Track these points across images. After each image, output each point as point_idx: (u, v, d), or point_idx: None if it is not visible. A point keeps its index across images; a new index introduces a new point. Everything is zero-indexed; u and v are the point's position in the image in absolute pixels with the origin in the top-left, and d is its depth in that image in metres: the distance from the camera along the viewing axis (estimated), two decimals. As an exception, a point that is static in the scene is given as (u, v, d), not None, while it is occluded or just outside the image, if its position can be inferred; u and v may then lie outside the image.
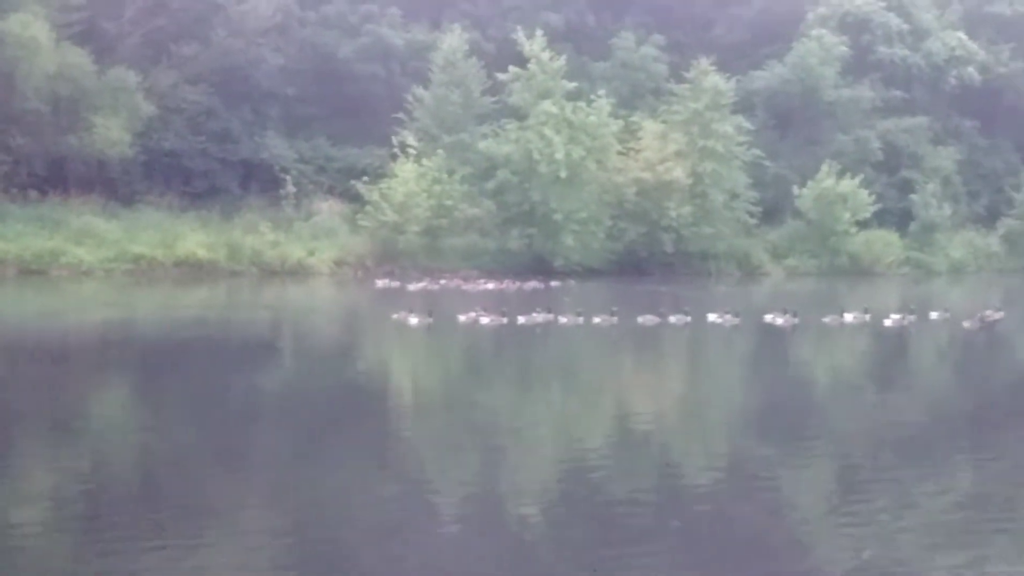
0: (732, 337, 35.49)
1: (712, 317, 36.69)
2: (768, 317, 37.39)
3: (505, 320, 35.24)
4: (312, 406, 22.35)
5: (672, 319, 36.34)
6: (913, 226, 67.06)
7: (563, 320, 35.67)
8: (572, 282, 53.77)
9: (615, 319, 35.97)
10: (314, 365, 29.29)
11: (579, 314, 36.07)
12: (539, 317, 35.70)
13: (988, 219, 71.39)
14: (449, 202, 55.81)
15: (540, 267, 56.24)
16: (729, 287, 56.05)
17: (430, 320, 34.67)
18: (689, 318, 36.33)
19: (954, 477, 17.32)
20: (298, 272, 53.12)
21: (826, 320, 37.64)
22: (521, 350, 32.51)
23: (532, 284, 51.84)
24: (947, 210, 67.55)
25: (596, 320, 35.55)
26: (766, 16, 73.59)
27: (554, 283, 53.32)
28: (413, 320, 34.57)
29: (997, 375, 30.86)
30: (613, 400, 24.89)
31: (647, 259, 59.55)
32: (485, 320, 35.07)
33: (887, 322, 37.62)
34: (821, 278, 61.08)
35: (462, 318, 35.63)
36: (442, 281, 51.33)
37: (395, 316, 35.63)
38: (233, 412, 21.02)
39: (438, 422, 21.33)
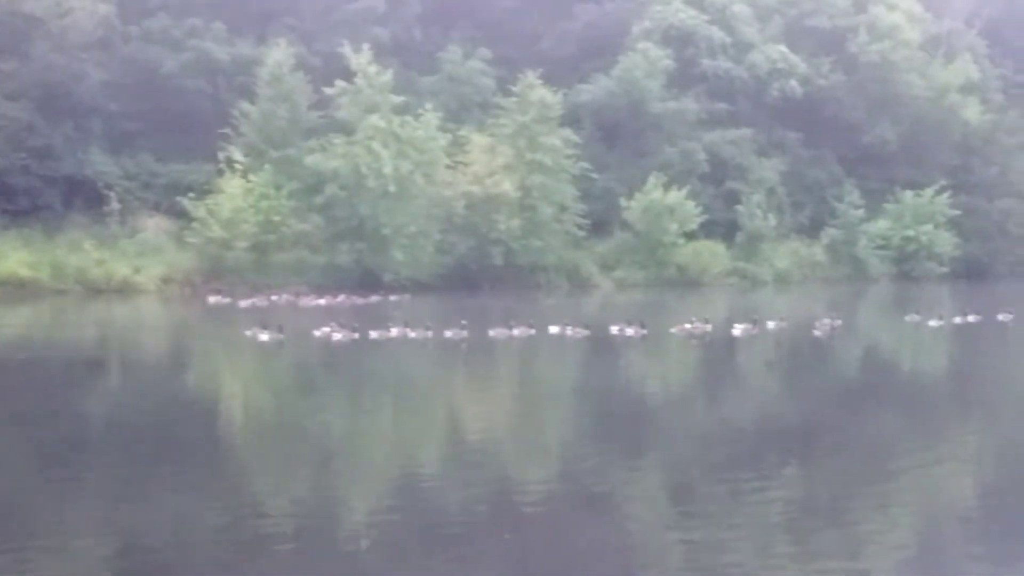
0: (580, 349, 37.06)
1: (554, 329, 38.48)
2: (614, 328, 38.98)
3: (357, 335, 36.35)
4: (153, 428, 22.66)
5: (516, 332, 38.04)
6: (739, 237, 70.66)
7: (413, 335, 36.87)
8: (407, 296, 55.18)
9: (465, 332, 37.43)
10: (157, 385, 29.58)
11: (428, 328, 37.44)
12: (393, 331, 37.09)
13: (812, 229, 75.12)
14: (277, 217, 57.48)
15: (370, 282, 57.94)
16: (559, 300, 58.13)
17: (281, 336, 35.75)
18: (533, 331, 38.05)
19: (786, 482, 18.28)
20: (124, 290, 53.84)
21: (673, 331, 39.83)
22: (376, 365, 33.41)
23: (368, 299, 53.30)
24: (772, 221, 71.10)
25: (448, 334, 36.94)
26: (592, 30, 76.12)
27: (393, 297, 54.72)
28: (264, 336, 35.57)
29: (852, 380, 32.99)
30: (460, 414, 25.89)
31: (477, 273, 61.76)
32: (338, 336, 36.13)
33: (735, 331, 39.89)
34: (650, 289, 64.02)
35: (317, 333, 36.93)
36: (273, 297, 52.49)
37: (247, 333, 36.73)
38: (64, 436, 20.99)
39: (287, 439, 21.96)
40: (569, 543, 14.28)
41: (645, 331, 38.56)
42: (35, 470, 18.58)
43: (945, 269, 76.12)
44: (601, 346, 37.16)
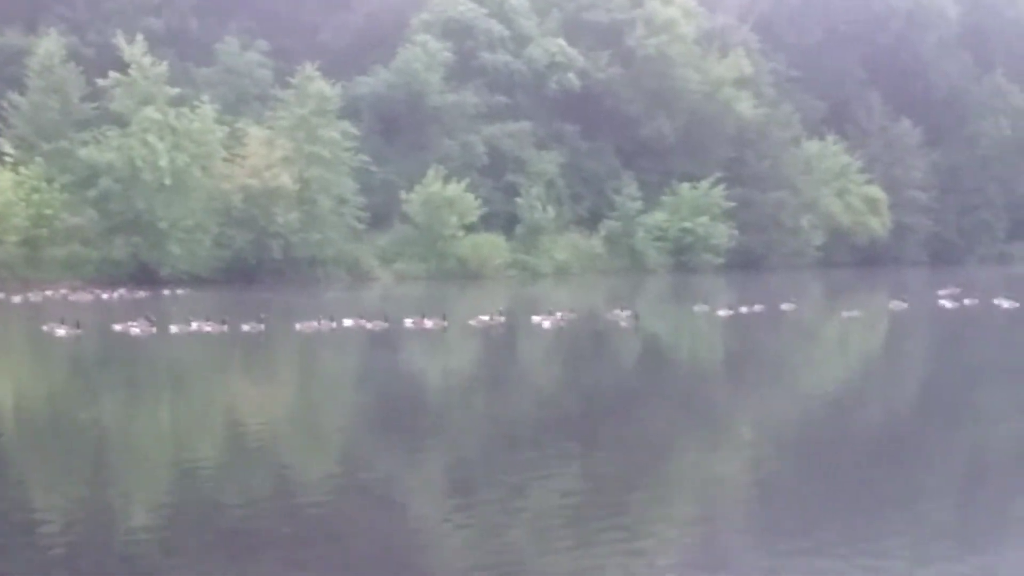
0: (380, 341, 37.43)
1: (348, 323, 39.68)
2: (409, 321, 39.88)
3: (155, 329, 37.30)
4: None
5: (319, 324, 39.00)
6: (519, 229, 74.57)
7: (208, 328, 37.92)
8: (186, 291, 57.22)
9: (263, 326, 38.50)
10: None
11: (224, 322, 38.32)
12: (194, 325, 37.94)
13: (591, 221, 78.88)
14: (49, 211, 59.63)
15: (146, 276, 60.89)
16: (339, 293, 60.29)
17: (79, 331, 36.52)
18: (334, 324, 39.09)
19: (568, 474, 18.45)
20: None
21: (471, 323, 40.75)
22: (176, 358, 34.13)
23: (145, 293, 55.25)
24: (551, 213, 75.16)
25: (244, 328, 37.97)
26: (372, 21, 79.61)
27: (168, 292, 56.66)
28: (61, 331, 36.36)
29: (649, 368, 34.18)
30: (251, 407, 25.78)
31: (256, 266, 64.90)
32: (136, 330, 37.15)
33: (544, 323, 41.08)
34: (430, 282, 67.17)
35: (117, 328, 37.73)
36: (47, 292, 54.95)
37: (44, 327, 37.47)
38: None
39: (69, 435, 21.70)
40: (347, 532, 14.71)
41: (446, 323, 40.04)
42: None
43: (721, 260, 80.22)
44: (400, 338, 37.88)
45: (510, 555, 13.71)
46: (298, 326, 39.52)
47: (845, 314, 47.85)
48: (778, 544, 14.45)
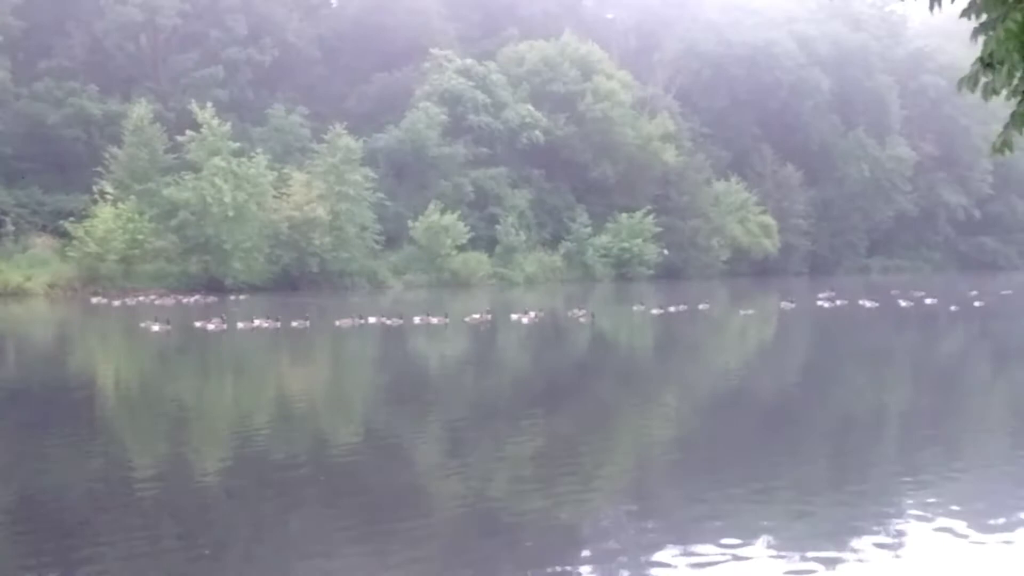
0: (395, 334, 36.82)
1: (372, 319, 39.27)
2: (417, 319, 39.39)
3: (225, 326, 37.06)
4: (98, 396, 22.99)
5: (358, 321, 38.49)
6: (498, 249, 73.23)
7: (266, 324, 37.74)
8: (245, 296, 56.69)
9: (308, 323, 38.39)
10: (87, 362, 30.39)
11: (279, 320, 38.29)
12: (256, 322, 37.78)
13: (552, 243, 78.06)
14: (140, 236, 58.75)
15: (214, 285, 59.80)
16: (361, 297, 58.78)
17: (169, 327, 36.41)
18: (363, 320, 38.82)
19: (536, 432, 18.51)
20: (17, 293, 54.66)
21: (466, 319, 40.58)
22: (243, 347, 33.75)
23: (211, 298, 54.67)
24: (522, 236, 74.22)
25: (294, 324, 37.92)
26: (385, 91, 79.03)
27: (242, 297, 55.50)
28: (155, 327, 36.26)
29: (601, 353, 34.21)
30: (300, 384, 25.59)
31: (298, 277, 63.85)
32: (211, 326, 36.85)
33: (523, 320, 40.54)
34: (431, 289, 65.87)
35: (197, 324, 37.57)
36: (140, 298, 54.46)
37: (142, 324, 37.35)
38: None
39: (160, 405, 21.84)
40: (368, 479, 14.69)
41: (447, 320, 39.81)
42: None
43: (651, 271, 79.42)
44: (412, 331, 37.67)
45: (493, 493, 13.92)
46: (337, 322, 39.33)
47: (742, 312, 48.08)
48: (696, 481, 14.86)
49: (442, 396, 24.02)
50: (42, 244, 60.53)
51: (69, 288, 57.80)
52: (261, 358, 32.32)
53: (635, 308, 49.50)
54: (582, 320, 42.46)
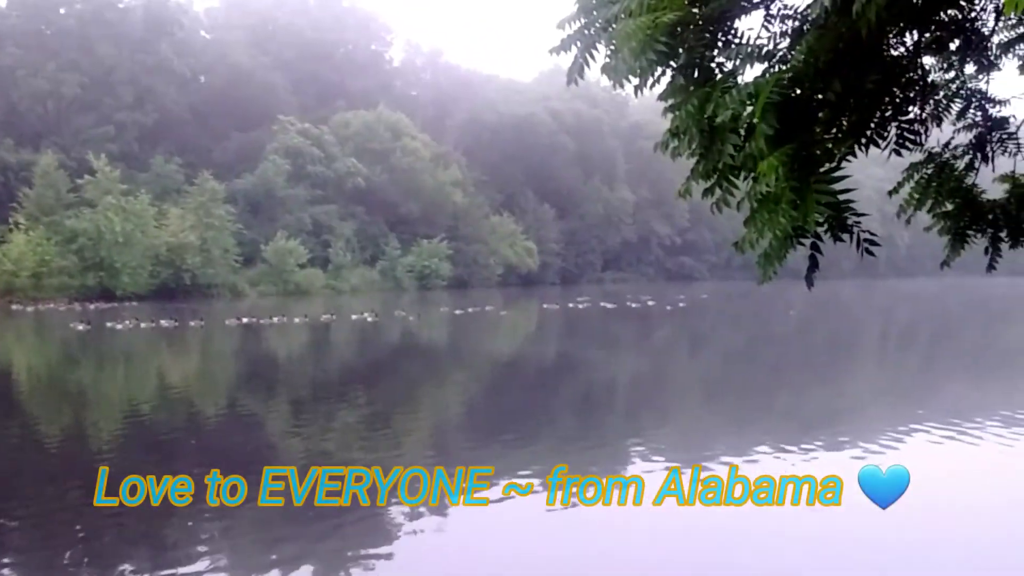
0: (258, 329, 35.31)
1: (228, 321, 37.47)
2: (306, 318, 38.10)
3: (132, 324, 36.22)
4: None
5: (244, 320, 36.61)
6: (330, 266, 73.67)
7: (165, 323, 36.90)
8: (133, 303, 56.22)
9: (203, 321, 37.27)
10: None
11: (175, 320, 37.50)
12: (164, 323, 36.82)
13: (371, 261, 78.19)
14: (48, 257, 58.21)
15: (108, 295, 59.45)
16: (225, 304, 57.59)
17: (90, 326, 35.75)
18: (203, 322, 37.37)
19: (362, 402, 17.34)
20: None
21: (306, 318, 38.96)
22: (150, 340, 31.90)
23: (104, 304, 53.96)
24: (348, 257, 74.86)
25: (165, 323, 36.99)
26: (243, 146, 78.77)
27: (133, 303, 54.44)
28: (80, 327, 35.73)
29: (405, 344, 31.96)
30: (184, 373, 23.64)
31: (175, 288, 63.12)
32: (120, 327, 35.79)
33: (368, 318, 39.05)
34: (279, 297, 64.71)
35: (108, 324, 36.60)
36: (50, 305, 54.08)
37: (71, 325, 36.54)
38: None
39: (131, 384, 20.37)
40: (229, 441, 13.82)
41: (297, 320, 37.62)
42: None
43: (445, 283, 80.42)
44: (271, 328, 35.54)
45: (326, 448, 13.38)
46: (226, 321, 38.57)
47: (503, 312, 47.67)
48: (476, 432, 14.63)
49: (285, 375, 22.92)
50: (-34, 264, 59.66)
51: (-11, 299, 58.34)
52: (163, 349, 30.38)
53: (442, 310, 48.47)
54: (411, 319, 41.23)
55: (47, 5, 73.21)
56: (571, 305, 51.97)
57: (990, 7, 4.46)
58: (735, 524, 8.98)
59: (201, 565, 8.44)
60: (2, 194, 63.29)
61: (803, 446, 13.02)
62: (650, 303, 53.10)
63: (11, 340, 34.57)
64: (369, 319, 39.51)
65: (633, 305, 51.78)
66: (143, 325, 36.66)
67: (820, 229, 4.11)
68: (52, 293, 58.11)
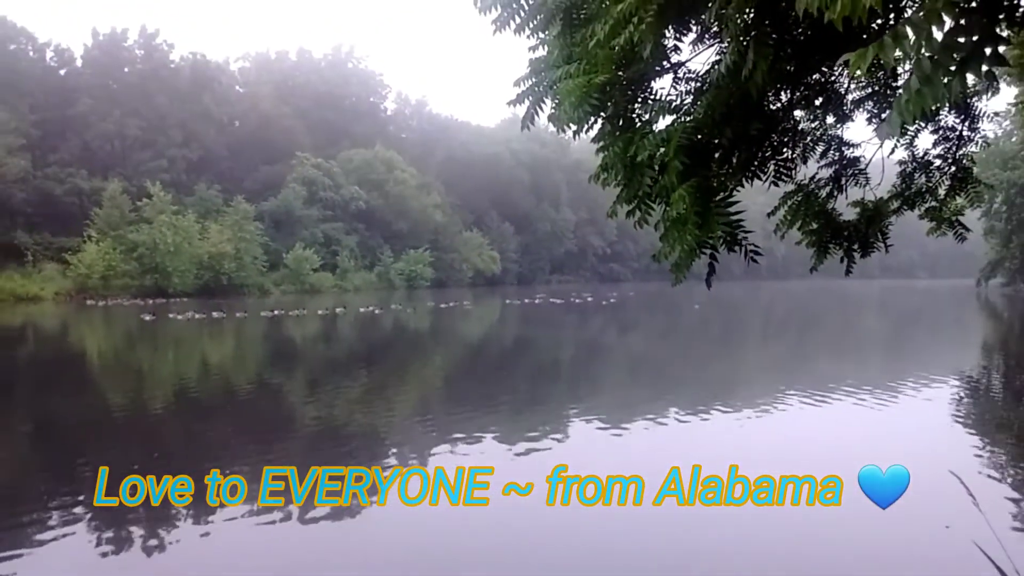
0: (283, 320, 33.31)
1: (263, 313, 36.22)
2: (320, 311, 37.48)
3: (190, 316, 34.36)
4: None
5: (275, 312, 35.41)
6: (338, 271, 73.71)
7: (216, 315, 35.10)
8: (185, 299, 56.11)
9: (238, 313, 36.27)
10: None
11: (223, 311, 36.74)
12: (215, 315, 34.62)
13: (370, 266, 78.36)
14: (114, 263, 58.28)
15: (162, 293, 59.20)
16: (255, 300, 57.20)
17: (155, 316, 34.71)
18: (246, 313, 35.59)
19: (356, 386, 15.58)
20: (34, 299, 51.40)
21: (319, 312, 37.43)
22: (227, 329, 29.60)
23: (162, 300, 53.73)
24: (352, 263, 74.89)
25: (215, 315, 35.35)
26: (268, 177, 77.66)
27: (184, 299, 54.05)
28: (147, 317, 34.77)
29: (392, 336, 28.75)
30: (232, 353, 21.81)
31: (215, 288, 63.19)
32: (180, 317, 33.86)
33: (377, 311, 38.48)
34: (297, 295, 64.61)
35: (170, 315, 35.23)
36: (116, 301, 53.15)
37: (141, 316, 35.33)
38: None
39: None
40: (225, 423, 12.02)
41: (319, 312, 36.82)
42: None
43: (427, 284, 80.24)
44: (289, 320, 34.03)
45: (335, 413, 12.36)
46: (262, 312, 37.18)
47: (474, 307, 45.97)
48: (455, 401, 13.87)
49: (332, 349, 21.74)
50: (50, 268, 58.43)
51: (67, 296, 56.42)
52: (223, 332, 28.30)
53: (428, 304, 47.45)
54: (408, 311, 40.39)
55: (114, 64, 73.50)
56: (527, 301, 51.29)
57: (846, 72, 4.46)
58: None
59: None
60: (78, 213, 61.87)
61: (709, 407, 12.75)
62: (589, 299, 52.80)
63: (100, 327, 32.10)
64: (377, 312, 38.99)
65: (576, 300, 51.55)
66: (197, 316, 35.03)
67: (717, 243, 4.15)
68: (117, 291, 58.15)
